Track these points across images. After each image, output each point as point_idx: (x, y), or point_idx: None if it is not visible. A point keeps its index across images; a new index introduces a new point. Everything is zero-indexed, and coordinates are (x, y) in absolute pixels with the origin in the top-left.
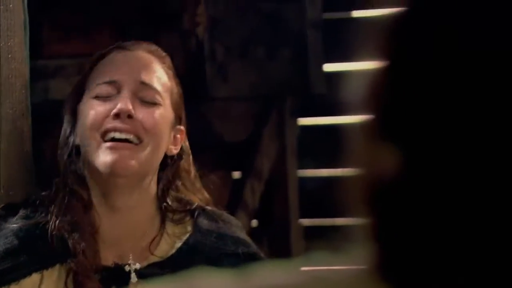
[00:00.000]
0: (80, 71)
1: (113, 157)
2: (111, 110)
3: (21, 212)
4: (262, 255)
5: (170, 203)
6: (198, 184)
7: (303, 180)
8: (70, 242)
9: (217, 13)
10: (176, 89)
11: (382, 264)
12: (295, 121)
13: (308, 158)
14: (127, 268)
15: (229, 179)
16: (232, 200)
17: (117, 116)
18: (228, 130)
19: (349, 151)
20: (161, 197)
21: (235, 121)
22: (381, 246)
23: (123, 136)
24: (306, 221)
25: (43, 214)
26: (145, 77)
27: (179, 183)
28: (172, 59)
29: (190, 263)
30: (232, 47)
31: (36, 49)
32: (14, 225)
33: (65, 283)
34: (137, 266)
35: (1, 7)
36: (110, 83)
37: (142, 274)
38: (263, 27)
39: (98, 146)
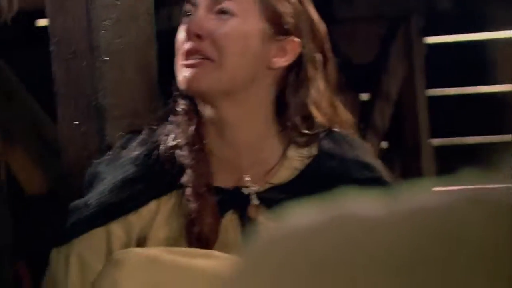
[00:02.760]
0: None
1: (186, 75)
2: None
3: (139, 138)
4: (387, 179)
5: (293, 126)
6: (331, 102)
7: (433, 100)
8: (180, 160)
9: None
10: (278, 1)
11: None
12: (421, 40)
13: (436, 77)
14: (245, 190)
15: (358, 101)
16: (361, 122)
17: (189, 37)
18: (355, 51)
19: (484, 68)
20: (282, 118)
21: (361, 42)
22: None
23: (195, 57)
24: (436, 141)
25: (158, 139)
26: None
27: (305, 98)
28: None
29: (312, 187)
30: None
31: None
32: (132, 154)
33: (181, 204)
34: (257, 188)
35: None
36: (189, 1)
37: (262, 198)
38: None
39: (180, 66)
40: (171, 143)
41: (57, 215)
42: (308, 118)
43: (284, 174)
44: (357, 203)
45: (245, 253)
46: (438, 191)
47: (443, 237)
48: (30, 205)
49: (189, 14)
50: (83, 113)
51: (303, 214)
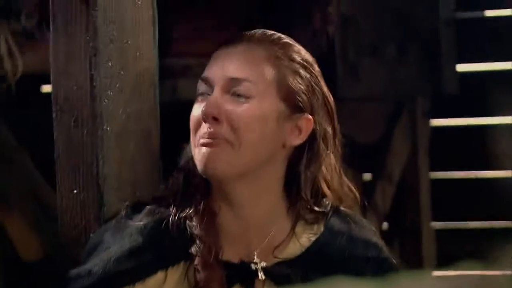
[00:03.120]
0: None
1: (204, 152)
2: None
3: (146, 210)
4: (393, 260)
5: (302, 202)
6: (339, 178)
7: (435, 183)
8: (190, 230)
9: (348, 11)
10: (292, 78)
11: None
12: (427, 122)
13: (440, 160)
14: (253, 266)
15: (360, 181)
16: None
17: (204, 120)
18: (359, 131)
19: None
20: (291, 194)
21: (366, 122)
22: None
23: (210, 141)
24: (438, 224)
25: (167, 210)
26: (235, 71)
27: (316, 174)
28: None
29: (319, 264)
30: (363, 46)
31: (164, 48)
32: (139, 223)
33: (186, 273)
34: (263, 264)
35: (130, 2)
36: (204, 80)
37: (269, 273)
38: (394, 25)
39: (196, 144)
40: (182, 214)
41: (53, 282)
42: (317, 194)
43: (291, 250)
44: None
45: None
46: (436, 277)
47: None
48: (25, 270)
49: (203, 94)
50: (82, 182)
51: None
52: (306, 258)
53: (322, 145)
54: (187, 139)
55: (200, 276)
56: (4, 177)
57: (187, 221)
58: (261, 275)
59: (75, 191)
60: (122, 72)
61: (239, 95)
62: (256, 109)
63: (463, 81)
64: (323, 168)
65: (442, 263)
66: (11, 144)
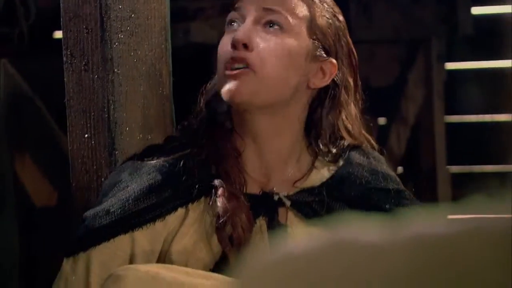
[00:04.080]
0: (221, 13)
1: (230, 86)
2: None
3: (164, 149)
4: (410, 194)
5: (322, 144)
6: (359, 129)
7: (450, 126)
8: (214, 168)
9: None
10: (323, 20)
11: None
12: (442, 65)
13: (456, 103)
14: (275, 196)
15: (375, 125)
16: (378, 145)
17: (234, 46)
18: (374, 74)
19: (504, 95)
20: (312, 134)
21: (380, 65)
22: None
23: (239, 65)
24: (453, 168)
25: (185, 148)
26: (269, 2)
27: (335, 121)
28: None
29: (340, 193)
30: None
31: None
32: (157, 161)
33: (210, 206)
34: (285, 193)
35: None
36: (236, 9)
37: (291, 200)
38: None
39: (222, 76)
40: (204, 152)
41: (66, 227)
42: (336, 141)
43: (312, 181)
44: (359, 229)
45: (245, 274)
46: (443, 219)
47: (443, 265)
48: (38, 216)
49: (233, 23)
50: (93, 126)
51: (304, 237)
52: (327, 187)
53: (343, 93)
54: (199, 83)
55: (226, 206)
56: (15, 123)
57: (210, 157)
58: (286, 201)
59: (86, 136)
60: (133, 15)
61: (271, 25)
62: (287, 42)
63: (478, 24)
64: (343, 115)
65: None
66: (24, 90)
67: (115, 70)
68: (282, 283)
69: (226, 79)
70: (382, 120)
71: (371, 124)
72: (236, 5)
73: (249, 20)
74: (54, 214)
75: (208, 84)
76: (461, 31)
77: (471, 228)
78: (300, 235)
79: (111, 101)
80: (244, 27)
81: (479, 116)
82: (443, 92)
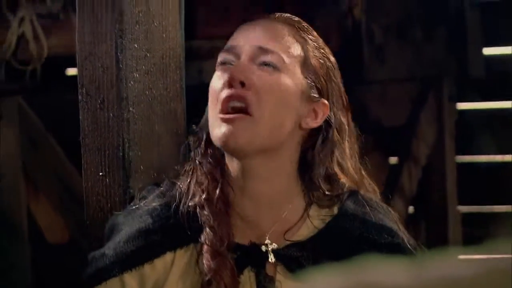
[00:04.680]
0: None
1: (225, 130)
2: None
3: (158, 192)
4: (407, 245)
5: (316, 184)
6: (355, 168)
7: (462, 166)
8: (201, 219)
9: None
10: (315, 60)
11: None
12: (453, 105)
13: (467, 143)
14: (263, 248)
15: (386, 164)
16: (389, 185)
17: (230, 84)
18: (386, 114)
19: None
20: (305, 178)
21: (392, 104)
22: None
23: (236, 104)
24: (464, 208)
25: (178, 192)
26: (264, 42)
27: (328, 160)
28: (328, 40)
29: (330, 247)
30: (389, 27)
31: (190, 30)
32: (149, 205)
33: (197, 261)
34: (275, 246)
35: None
36: (229, 50)
37: (279, 255)
38: (420, 7)
39: (215, 118)
40: (193, 201)
41: (78, 265)
42: (331, 181)
43: (303, 232)
44: (381, 271)
45: None
46: (463, 260)
47: None
48: (51, 253)
49: (226, 63)
50: (108, 164)
51: (325, 281)
52: (317, 240)
53: (336, 134)
54: None
55: (210, 264)
56: (30, 160)
57: (198, 209)
58: (271, 258)
59: (100, 174)
60: (148, 54)
61: (267, 65)
62: (283, 82)
63: (489, 65)
64: (337, 154)
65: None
66: (37, 127)
67: (130, 108)
68: None
69: (220, 122)
70: (393, 160)
71: (380, 162)
72: (228, 45)
73: (244, 58)
74: (68, 252)
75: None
76: (472, 72)
77: (494, 269)
78: None
79: (126, 140)
80: (240, 65)
81: (489, 157)
82: (455, 132)
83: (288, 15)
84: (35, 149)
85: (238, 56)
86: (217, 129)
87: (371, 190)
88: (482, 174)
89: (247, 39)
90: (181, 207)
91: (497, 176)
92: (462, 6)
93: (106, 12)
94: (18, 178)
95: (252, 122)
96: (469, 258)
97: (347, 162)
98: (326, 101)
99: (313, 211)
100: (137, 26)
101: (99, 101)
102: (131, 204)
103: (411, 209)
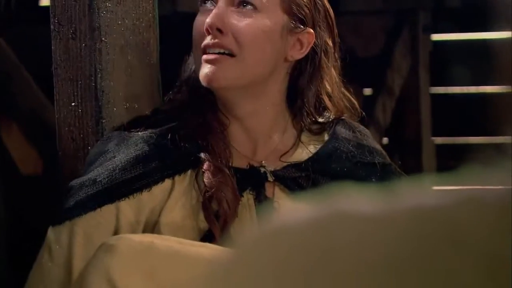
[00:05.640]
0: None
1: (207, 71)
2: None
3: (150, 121)
4: (396, 167)
5: (306, 113)
6: (340, 91)
7: (436, 97)
8: (201, 142)
9: None
10: None
11: None
12: (428, 37)
13: (441, 75)
14: (262, 170)
15: (361, 95)
16: (363, 116)
17: (209, 31)
18: (360, 45)
19: (488, 67)
20: (296, 104)
21: (367, 35)
22: None
23: (215, 51)
24: (438, 139)
25: (172, 120)
26: None
27: (318, 87)
28: None
29: (326, 167)
30: None
31: None
32: (144, 133)
33: (196, 181)
34: (272, 168)
35: None
36: None
37: (278, 175)
38: None
39: (199, 60)
40: (190, 127)
41: (52, 195)
42: (319, 107)
43: (298, 156)
44: (355, 200)
45: (242, 244)
46: (437, 190)
47: (441, 236)
48: (24, 184)
49: (207, 3)
50: (81, 95)
51: (300, 209)
52: (314, 162)
53: (323, 59)
54: (186, 52)
55: (211, 181)
56: (3, 92)
57: (196, 133)
58: (270, 176)
59: (73, 104)
60: None
61: (245, 5)
62: (261, 22)
63: None
64: (325, 81)
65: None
66: (10, 58)
67: (103, 38)
68: (277, 255)
69: (203, 63)
70: (368, 91)
71: (351, 89)
72: None
73: (221, 1)
74: (41, 182)
75: (188, 56)
76: (447, 3)
77: (467, 199)
78: (287, 209)
79: (98, 70)
80: (217, 10)
81: (464, 88)
82: (429, 64)
83: None
84: (8, 81)
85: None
86: (201, 69)
87: (354, 111)
88: (457, 106)
89: None
90: (177, 134)
91: (472, 108)
92: None
93: None
94: None
95: (234, 61)
96: (442, 188)
97: (333, 86)
98: (311, 30)
99: (305, 137)
100: None
101: (71, 31)
102: (115, 133)
103: (385, 140)
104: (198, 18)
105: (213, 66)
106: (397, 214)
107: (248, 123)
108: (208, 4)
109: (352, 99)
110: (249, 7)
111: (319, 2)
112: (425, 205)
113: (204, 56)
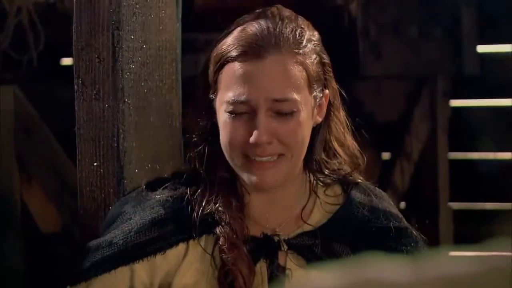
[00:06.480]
0: None
1: (258, 177)
2: (248, 133)
3: (168, 184)
4: (413, 230)
5: (316, 162)
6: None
7: (454, 163)
8: (217, 216)
9: None
10: (314, 66)
11: None
12: (447, 102)
13: (460, 140)
14: (275, 238)
15: (379, 159)
16: (381, 181)
17: (257, 145)
18: (379, 109)
19: (507, 134)
20: (312, 165)
21: (386, 100)
22: None
23: (264, 159)
24: (455, 205)
25: (190, 187)
26: (278, 93)
27: (328, 136)
28: (324, 36)
29: (341, 233)
30: (385, 24)
31: (187, 22)
32: (161, 196)
33: (212, 252)
34: (285, 236)
35: None
36: (244, 102)
37: (292, 244)
38: (416, 4)
39: (242, 164)
40: (208, 206)
41: (71, 253)
42: (330, 155)
43: (315, 217)
44: (382, 268)
45: None
46: (461, 257)
47: None
48: (44, 242)
49: (242, 113)
50: (103, 155)
51: (327, 277)
52: (329, 228)
53: (335, 104)
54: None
55: (227, 257)
56: (24, 148)
57: (211, 205)
58: (283, 246)
59: (95, 164)
60: (144, 46)
61: (284, 114)
62: (300, 119)
63: (484, 62)
64: (334, 129)
65: (459, 244)
66: (31, 115)
67: (126, 100)
68: None
69: (250, 169)
70: (386, 155)
71: (372, 157)
72: (241, 99)
73: (262, 113)
74: (61, 241)
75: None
76: (467, 69)
77: (495, 267)
78: (299, 278)
79: (120, 130)
80: (262, 124)
81: (482, 154)
82: (448, 129)
83: (281, 27)
84: (29, 138)
85: (253, 109)
86: (248, 176)
87: (360, 159)
88: (474, 171)
89: (258, 90)
90: (195, 199)
91: (489, 174)
92: (458, 4)
93: (103, 3)
94: (12, 167)
95: (283, 161)
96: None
97: (344, 134)
98: (326, 90)
99: (321, 194)
100: (134, 17)
101: (95, 92)
102: (135, 194)
103: (403, 204)
104: (234, 121)
105: (265, 172)
106: (424, 282)
107: (274, 196)
108: (239, 109)
109: (357, 147)
110: (288, 114)
111: (324, 56)
112: (451, 274)
113: (257, 158)
